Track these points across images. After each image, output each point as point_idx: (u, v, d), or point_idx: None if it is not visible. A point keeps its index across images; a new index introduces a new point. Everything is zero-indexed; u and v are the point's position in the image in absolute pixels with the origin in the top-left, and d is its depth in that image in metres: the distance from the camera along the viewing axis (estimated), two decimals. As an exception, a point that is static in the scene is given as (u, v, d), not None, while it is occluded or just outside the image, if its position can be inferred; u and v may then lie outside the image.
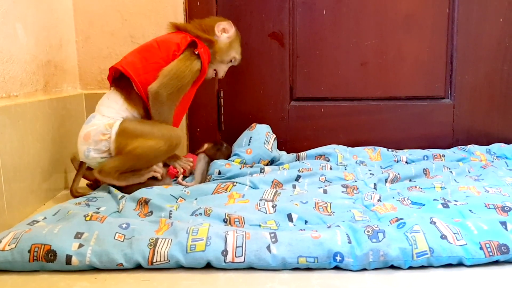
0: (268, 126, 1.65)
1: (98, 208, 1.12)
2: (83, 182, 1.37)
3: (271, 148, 1.56)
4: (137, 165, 1.27)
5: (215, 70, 1.44)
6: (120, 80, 1.32)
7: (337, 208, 1.09)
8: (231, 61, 1.45)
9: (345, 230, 0.91)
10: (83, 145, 1.27)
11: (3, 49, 1.15)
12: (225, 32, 1.40)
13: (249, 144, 1.55)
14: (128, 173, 1.28)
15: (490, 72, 1.69)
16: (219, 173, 1.41)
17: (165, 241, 0.88)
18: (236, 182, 1.30)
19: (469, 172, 1.43)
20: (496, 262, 0.87)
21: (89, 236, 0.90)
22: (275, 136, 1.63)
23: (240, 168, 1.43)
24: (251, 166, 1.47)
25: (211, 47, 1.37)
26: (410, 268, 0.86)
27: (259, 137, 1.57)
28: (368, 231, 0.89)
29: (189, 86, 1.33)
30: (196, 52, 1.32)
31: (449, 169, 1.44)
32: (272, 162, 1.56)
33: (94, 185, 1.37)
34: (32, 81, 1.29)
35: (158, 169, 1.32)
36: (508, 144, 1.63)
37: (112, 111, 1.28)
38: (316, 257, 0.85)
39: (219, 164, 1.44)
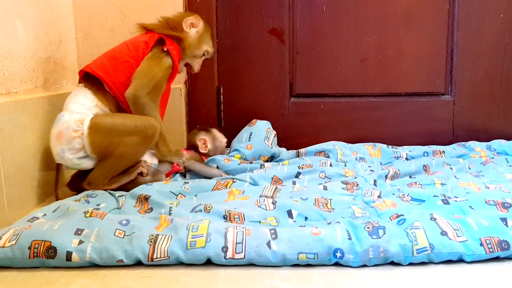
0: (268, 122, 1.65)
1: (98, 205, 1.12)
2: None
3: (271, 144, 1.55)
4: (122, 166, 1.25)
5: (188, 64, 1.44)
6: (88, 78, 1.30)
7: (337, 204, 1.09)
8: (204, 54, 1.44)
9: (345, 227, 0.91)
10: (57, 145, 1.23)
11: (3, 46, 1.15)
12: (193, 26, 1.40)
13: (249, 140, 1.54)
14: (117, 176, 1.26)
15: (490, 68, 1.69)
16: (217, 168, 1.42)
17: (165, 237, 0.88)
18: (236, 179, 1.30)
19: (469, 169, 1.42)
20: (497, 259, 0.87)
21: (89, 233, 0.90)
22: (275, 132, 1.63)
23: (239, 164, 1.43)
24: (251, 162, 1.47)
25: (180, 44, 1.37)
26: (411, 264, 0.86)
27: (260, 133, 1.56)
28: (368, 228, 0.89)
29: (164, 83, 1.33)
30: (165, 49, 1.32)
31: (449, 165, 1.44)
32: (272, 158, 1.56)
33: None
34: (32, 78, 1.29)
35: (144, 164, 1.30)
36: (508, 140, 1.63)
37: (82, 107, 1.25)
38: (316, 253, 0.85)
39: (218, 159, 1.44)
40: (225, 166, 1.41)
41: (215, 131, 1.55)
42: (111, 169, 1.24)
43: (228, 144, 1.59)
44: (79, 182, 1.28)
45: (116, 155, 1.22)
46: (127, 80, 1.28)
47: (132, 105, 1.27)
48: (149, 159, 1.35)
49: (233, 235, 0.88)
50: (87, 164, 1.25)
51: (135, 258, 0.86)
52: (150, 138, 1.25)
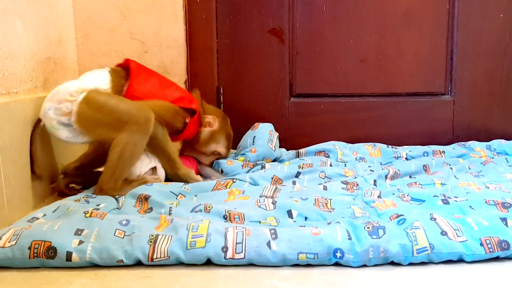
0: (270, 124, 1.64)
1: (98, 205, 1.12)
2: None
3: (274, 147, 1.55)
4: (125, 161, 1.20)
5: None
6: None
7: (337, 204, 1.09)
8: (213, 153, 1.47)
9: (345, 227, 0.91)
10: (47, 101, 1.22)
11: (3, 46, 1.14)
12: (209, 126, 1.43)
13: (253, 144, 1.54)
14: (128, 182, 1.24)
15: (490, 68, 1.69)
16: (221, 172, 1.43)
17: (165, 237, 0.88)
18: (236, 179, 1.30)
19: (469, 168, 1.42)
20: (497, 258, 0.87)
21: (89, 233, 0.90)
22: (277, 134, 1.62)
23: (242, 167, 1.44)
24: (254, 165, 1.47)
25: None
26: (410, 264, 0.86)
27: (263, 136, 1.56)
28: (368, 228, 0.89)
29: (170, 126, 1.32)
30: (187, 121, 1.35)
31: (449, 165, 1.44)
32: (274, 161, 1.56)
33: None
34: (32, 78, 1.29)
35: (151, 179, 1.29)
36: (508, 140, 1.63)
37: (91, 82, 1.24)
38: (316, 253, 0.85)
39: (222, 161, 1.45)
40: (229, 168, 1.42)
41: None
42: (116, 165, 1.19)
43: (233, 147, 1.59)
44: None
45: (116, 150, 1.18)
46: (145, 96, 1.29)
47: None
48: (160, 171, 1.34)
49: (233, 235, 0.88)
50: (62, 134, 1.21)
51: (135, 258, 0.86)
52: (144, 125, 1.20)
